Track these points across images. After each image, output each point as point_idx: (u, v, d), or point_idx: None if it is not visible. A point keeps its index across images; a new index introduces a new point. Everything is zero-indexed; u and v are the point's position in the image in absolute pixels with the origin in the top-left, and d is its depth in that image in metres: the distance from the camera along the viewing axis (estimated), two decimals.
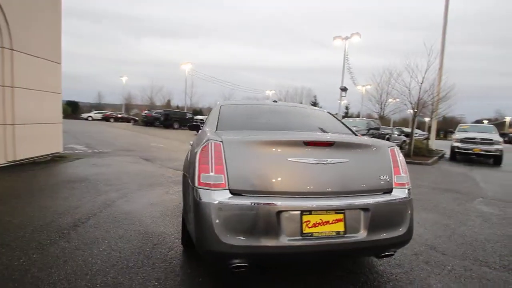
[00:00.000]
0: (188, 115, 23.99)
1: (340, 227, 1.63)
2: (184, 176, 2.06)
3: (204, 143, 1.71)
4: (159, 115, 22.98)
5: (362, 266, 2.19)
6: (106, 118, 32.37)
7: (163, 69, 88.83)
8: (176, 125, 22.31)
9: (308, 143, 1.73)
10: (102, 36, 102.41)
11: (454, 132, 12.48)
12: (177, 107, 47.24)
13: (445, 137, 35.55)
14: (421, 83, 9.62)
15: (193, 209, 1.64)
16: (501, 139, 10.64)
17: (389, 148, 1.92)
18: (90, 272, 1.91)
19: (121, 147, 8.78)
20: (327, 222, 1.62)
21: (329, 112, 2.89)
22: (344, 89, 14.97)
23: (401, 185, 1.86)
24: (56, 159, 5.98)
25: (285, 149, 1.71)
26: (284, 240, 1.55)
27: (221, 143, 1.67)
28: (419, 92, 9.75)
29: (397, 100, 15.68)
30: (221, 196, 1.56)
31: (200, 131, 3.41)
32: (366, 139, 2.05)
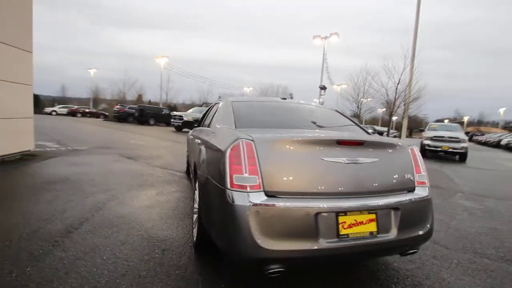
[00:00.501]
0: (165, 111, 23.14)
1: (373, 227, 1.62)
2: (204, 178, 1.91)
3: (234, 142, 1.59)
4: (133, 110, 21.94)
5: (378, 263, 2.22)
6: (72, 113, 30.29)
7: (136, 63, 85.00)
8: (151, 121, 21.45)
9: (341, 142, 1.69)
10: (65, 25, 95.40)
11: (424, 131, 13.30)
12: (149, 102, 45.45)
13: (410, 135, 37.78)
14: (398, 84, 10.10)
15: (224, 213, 1.53)
16: (466, 138, 11.51)
17: (409, 147, 1.95)
18: (98, 284, 1.73)
19: (98, 144, 8.23)
20: (361, 223, 1.60)
21: (336, 110, 2.89)
22: (323, 88, 15.32)
23: (422, 183, 1.90)
24: (27, 157, 5.43)
25: (319, 148, 1.66)
26: (322, 243, 1.50)
27: (252, 142, 1.58)
28: (395, 93, 10.24)
29: (369, 99, 16.38)
30: (258, 199, 1.47)
31: (200, 128, 3.26)
32: (391, 139, 2.07)
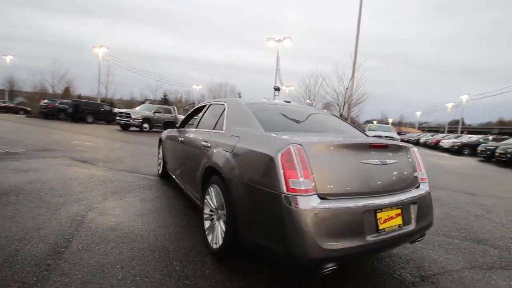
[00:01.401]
0: (105, 107, 20.92)
1: (399, 220, 1.83)
2: (240, 184, 1.85)
3: (284, 146, 1.62)
4: (67, 106, 19.29)
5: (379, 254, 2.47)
6: None
7: (67, 52, 74.49)
8: (89, 119, 19.18)
9: (372, 146, 1.86)
10: None
11: (365, 130, 14.97)
12: (79, 97, 40.47)
13: None
14: (347, 89, 11.14)
15: (281, 218, 1.54)
16: (399, 137, 13.33)
17: (411, 149, 2.24)
18: None
19: (35, 146, 7.05)
20: (392, 218, 1.79)
21: (333, 114, 3.09)
22: (277, 89, 15.89)
23: (424, 180, 2.20)
24: None
25: (356, 151, 1.80)
26: (368, 238, 1.64)
27: (301, 146, 1.63)
28: (345, 96, 11.28)
29: (319, 101, 17.66)
30: (314, 202, 1.54)
31: (194, 130, 3.13)
32: (402, 142, 2.32)
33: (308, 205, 1.52)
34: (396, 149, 2.06)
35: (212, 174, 2.35)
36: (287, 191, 1.54)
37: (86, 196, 3.40)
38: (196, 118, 4.07)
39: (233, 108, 2.57)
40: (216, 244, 2.15)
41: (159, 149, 5.02)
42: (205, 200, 2.43)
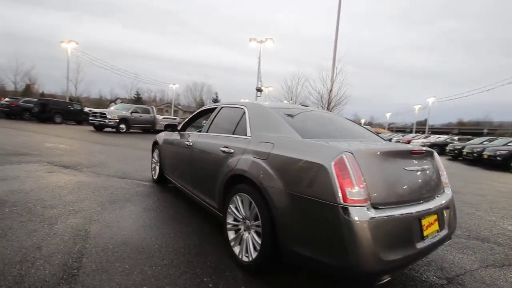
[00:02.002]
0: (76, 106, 19.54)
1: (437, 226, 1.85)
2: (283, 194, 1.75)
3: (337, 155, 1.55)
4: (32, 105, 17.76)
5: None
6: None
7: (30, 46, 68.69)
8: (58, 119, 17.82)
9: (412, 153, 1.85)
10: None
11: None
12: (42, 95, 37.59)
13: None
14: (330, 91, 11.40)
15: (338, 230, 1.47)
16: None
17: (434, 153, 2.28)
18: None
19: (6, 150, 6.36)
20: (431, 224, 1.80)
21: (347, 118, 3.09)
22: (259, 90, 15.87)
23: (447, 183, 2.25)
24: None
25: (400, 158, 1.78)
26: (419, 245, 1.63)
27: (352, 154, 1.57)
28: (328, 97, 11.54)
29: (291, 102, 17.96)
30: (371, 212, 1.49)
31: (204, 134, 2.98)
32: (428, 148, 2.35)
33: (366, 215, 1.47)
34: (428, 154, 2.09)
35: (237, 182, 2.23)
36: (344, 201, 1.47)
37: (81, 207, 3.10)
38: (201, 122, 3.89)
39: (258, 113, 2.45)
40: (247, 256, 2.03)
41: (153, 153, 4.74)
42: (229, 210, 2.30)
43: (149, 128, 17.05)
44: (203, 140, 2.96)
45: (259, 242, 1.93)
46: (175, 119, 20.68)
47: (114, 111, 14.73)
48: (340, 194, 1.48)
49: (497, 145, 12.65)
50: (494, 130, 52.04)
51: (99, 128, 14.71)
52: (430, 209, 1.80)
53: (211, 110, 3.32)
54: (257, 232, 2.00)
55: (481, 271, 2.39)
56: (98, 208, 3.11)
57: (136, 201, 3.50)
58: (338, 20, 15.27)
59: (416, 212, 1.69)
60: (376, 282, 1.52)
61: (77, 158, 6.20)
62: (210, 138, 2.85)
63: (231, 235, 2.28)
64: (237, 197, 2.20)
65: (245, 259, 2.05)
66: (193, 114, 3.82)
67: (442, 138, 20.97)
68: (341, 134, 2.33)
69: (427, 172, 1.96)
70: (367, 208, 1.49)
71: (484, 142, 14.55)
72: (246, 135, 2.36)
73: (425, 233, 1.72)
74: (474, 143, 14.83)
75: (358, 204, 1.48)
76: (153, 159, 4.69)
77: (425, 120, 51.51)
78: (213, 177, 2.56)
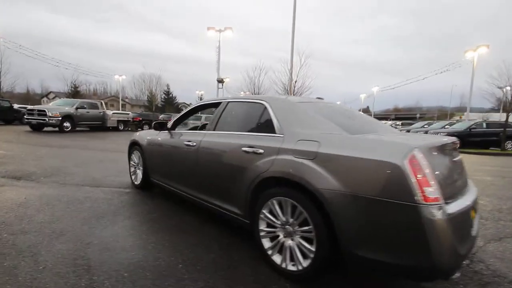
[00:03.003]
0: (4, 104, 16.47)
1: (475, 218, 1.91)
2: (352, 197, 1.59)
3: (408, 152, 1.48)
4: None
5: None
6: None
7: None
8: None
9: (453, 144, 1.88)
10: None
11: None
12: None
13: None
14: (295, 81, 11.57)
15: (419, 231, 1.39)
16: None
17: None
18: None
19: None
20: (474, 217, 1.85)
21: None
22: (221, 81, 15.34)
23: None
24: None
25: (449, 151, 1.79)
26: (473, 233, 1.70)
27: (420, 150, 1.51)
28: (293, 88, 11.70)
29: (247, 92, 18.01)
30: (448, 208, 1.49)
31: (210, 133, 2.66)
32: None
33: (445, 212, 1.43)
34: (456, 147, 2.15)
35: (272, 185, 2.02)
36: (425, 200, 1.40)
37: (63, 228, 2.55)
38: (198, 119, 3.51)
39: (285, 108, 2.24)
40: (294, 265, 1.87)
41: (130, 155, 4.18)
42: (261, 216, 2.09)
43: (99, 126, 15.36)
44: (213, 139, 2.64)
45: (311, 249, 1.77)
46: (128, 114, 18.99)
47: (55, 108, 12.83)
48: (419, 193, 1.40)
49: (437, 128, 14.38)
50: (424, 115, 59.36)
51: (37, 128, 12.73)
52: (473, 201, 1.84)
53: (212, 106, 2.99)
54: (305, 238, 1.84)
55: (496, 242, 2.60)
56: (84, 227, 2.60)
57: (127, 212, 3.03)
58: (294, 14, 15.40)
59: (471, 202, 1.72)
60: (448, 279, 1.51)
61: (26, 165, 5.20)
62: (223, 137, 2.55)
63: (266, 243, 2.08)
64: (273, 201, 2.00)
65: (291, 268, 1.88)
66: (185, 111, 3.41)
67: (388, 123, 23.11)
68: (375, 128, 2.26)
69: (462, 163, 2.02)
70: (444, 205, 1.45)
71: (425, 126, 16.45)
72: (275, 133, 2.14)
73: (474, 226, 1.77)
74: (417, 127, 16.65)
75: (436, 202, 1.42)
76: (132, 163, 4.14)
77: (367, 108, 56.45)
78: (234, 180, 2.30)
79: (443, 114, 54.71)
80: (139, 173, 3.96)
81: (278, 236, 2.02)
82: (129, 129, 18.53)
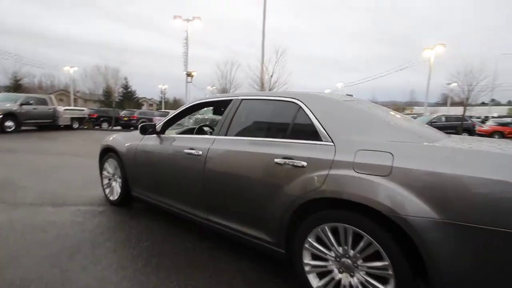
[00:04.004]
0: None
1: None
2: (465, 229, 1.20)
3: None
4: None
5: None
6: None
7: None
8: None
9: None
10: None
11: None
12: None
13: None
14: (271, 76, 11.23)
15: None
16: None
17: None
18: None
19: None
20: None
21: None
22: (189, 75, 14.35)
23: None
24: None
25: None
26: None
27: None
28: (269, 83, 11.36)
29: (214, 87, 17.41)
30: None
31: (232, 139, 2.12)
32: None
33: None
34: None
35: (323, 207, 1.59)
36: None
37: (24, 274, 1.84)
38: (195, 120, 2.91)
39: (331, 108, 1.79)
40: None
41: (103, 164, 3.43)
42: (305, 245, 1.65)
43: (49, 124, 13.49)
44: (227, 147, 2.10)
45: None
46: (83, 110, 17.03)
47: None
48: None
49: None
50: None
51: None
52: None
53: (216, 105, 2.44)
54: (374, 276, 1.44)
55: None
56: (55, 271, 1.91)
57: (109, 242, 2.37)
58: (265, 7, 14.92)
59: None
60: None
61: None
62: (241, 145, 2.03)
63: (313, 280, 1.65)
64: (325, 227, 1.57)
65: None
66: (179, 110, 2.78)
67: None
68: (428, 132, 1.92)
69: None
70: None
71: None
72: (320, 141, 1.70)
73: None
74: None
75: None
76: (106, 173, 3.39)
77: None
78: (262, 200, 1.83)
79: (396, 108, 59.02)
80: (116, 186, 3.24)
81: (330, 271, 1.60)
82: (85, 127, 16.65)
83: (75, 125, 15.37)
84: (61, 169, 5.11)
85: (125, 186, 3.09)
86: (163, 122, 2.80)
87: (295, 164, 1.70)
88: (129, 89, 48.47)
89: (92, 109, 21.12)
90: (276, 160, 1.78)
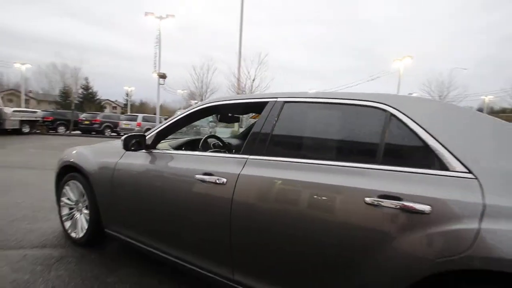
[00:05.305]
0: None
1: None
2: None
3: None
4: None
5: None
6: None
7: None
8: None
9: None
10: None
11: None
12: None
13: None
14: (253, 80, 10.67)
15: None
16: None
17: None
18: None
19: None
20: None
21: None
22: (162, 76, 13.20)
23: None
24: None
25: None
26: None
27: None
28: (251, 87, 10.78)
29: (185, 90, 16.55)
30: None
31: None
32: None
33: None
34: None
35: (475, 281, 0.96)
36: None
37: None
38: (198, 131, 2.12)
39: (452, 119, 1.18)
40: None
41: (61, 188, 2.49)
42: None
43: None
44: (271, 173, 1.38)
45: None
46: (36, 112, 14.95)
47: None
48: None
49: None
50: None
51: None
52: None
53: (241, 109, 1.72)
54: None
55: None
56: None
57: None
58: (242, 15, 14.33)
59: None
60: None
61: None
62: (296, 171, 1.33)
63: None
64: None
65: None
66: (180, 116, 1.98)
67: None
68: None
69: None
70: None
71: None
72: (446, 170, 1.06)
73: None
74: None
75: None
76: (66, 200, 2.47)
77: None
78: (345, 264, 1.15)
79: None
80: (81, 219, 2.34)
81: None
82: (38, 131, 14.60)
83: (25, 129, 13.38)
84: (1, 188, 3.93)
85: (95, 220, 2.20)
86: (155, 132, 1.99)
87: (408, 207, 1.04)
88: (90, 90, 44.93)
89: (47, 111, 18.80)
90: (367, 199, 1.11)
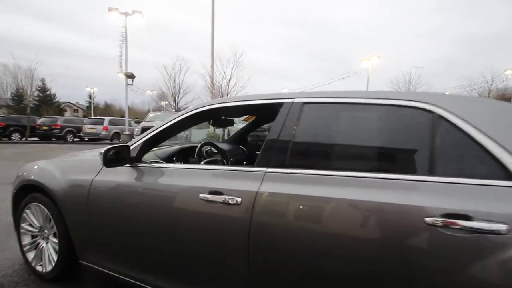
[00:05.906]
0: None
1: None
2: None
3: None
4: None
5: None
6: None
7: None
8: None
9: None
10: None
11: None
12: None
13: None
14: (229, 80, 10.37)
15: None
16: None
17: None
18: None
19: None
20: None
21: None
22: (130, 76, 12.35)
23: None
24: None
25: None
26: None
27: None
28: (227, 87, 10.48)
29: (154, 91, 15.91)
30: None
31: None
32: None
33: None
34: None
35: None
36: None
37: None
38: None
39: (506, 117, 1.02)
40: None
41: (21, 213, 2.04)
42: None
43: None
44: (299, 190, 1.14)
45: None
46: None
47: None
48: None
49: None
50: None
51: None
52: None
53: (247, 111, 1.46)
54: None
55: None
56: None
57: None
58: (213, 11, 13.89)
59: None
60: None
61: None
62: (326, 185, 1.10)
63: None
64: None
65: None
66: (172, 121, 1.64)
67: None
68: None
69: None
70: None
71: None
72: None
73: None
74: None
75: None
76: (27, 227, 2.03)
77: None
78: None
79: None
80: (48, 248, 1.93)
81: None
82: None
83: None
84: None
85: (66, 250, 1.81)
86: (141, 141, 1.65)
87: (481, 228, 0.86)
88: (47, 92, 41.38)
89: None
90: (427, 219, 0.92)
